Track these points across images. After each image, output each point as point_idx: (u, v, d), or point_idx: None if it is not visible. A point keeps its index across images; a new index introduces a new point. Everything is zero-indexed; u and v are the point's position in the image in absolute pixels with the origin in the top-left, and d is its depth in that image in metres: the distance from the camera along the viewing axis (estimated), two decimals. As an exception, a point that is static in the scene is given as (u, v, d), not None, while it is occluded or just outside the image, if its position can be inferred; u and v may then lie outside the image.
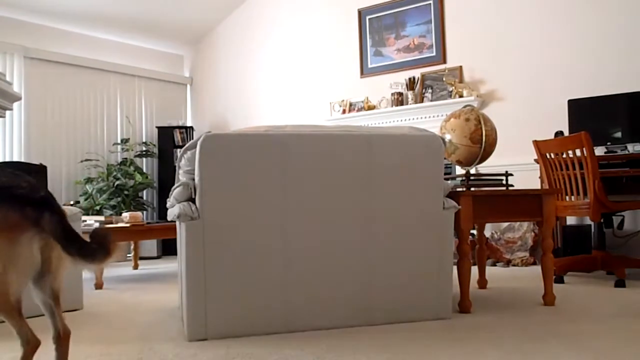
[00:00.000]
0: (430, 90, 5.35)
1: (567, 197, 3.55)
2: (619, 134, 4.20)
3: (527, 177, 4.57)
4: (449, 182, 2.66)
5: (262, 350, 1.96)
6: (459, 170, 4.95)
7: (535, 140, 3.69)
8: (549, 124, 4.69)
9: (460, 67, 5.23)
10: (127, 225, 4.02)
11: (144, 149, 6.83)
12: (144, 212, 6.60)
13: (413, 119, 5.41)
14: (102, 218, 4.08)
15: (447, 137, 2.77)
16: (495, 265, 4.51)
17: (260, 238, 2.20)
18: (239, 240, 2.17)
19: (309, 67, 6.31)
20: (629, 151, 4.17)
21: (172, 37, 7.09)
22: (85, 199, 5.99)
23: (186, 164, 2.29)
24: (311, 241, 2.25)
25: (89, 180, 6.12)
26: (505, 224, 4.72)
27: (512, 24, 4.97)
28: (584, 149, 3.32)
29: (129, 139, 6.58)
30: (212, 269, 2.14)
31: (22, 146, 5.78)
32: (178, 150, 6.81)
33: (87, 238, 1.54)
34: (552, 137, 4.42)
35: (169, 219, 2.40)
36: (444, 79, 5.24)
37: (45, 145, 6.02)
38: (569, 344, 1.95)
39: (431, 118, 5.28)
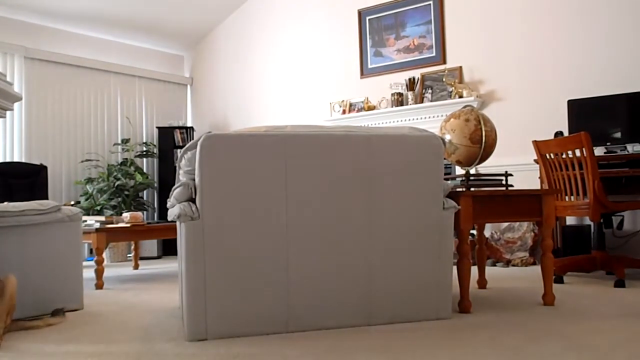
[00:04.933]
0: (430, 91, 5.36)
1: (567, 197, 3.55)
2: (618, 134, 4.20)
3: (527, 177, 4.57)
4: (449, 182, 2.66)
5: (262, 350, 1.96)
6: (459, 171, 4.96)
7: (535, 141, 3.69)
8: (549, 124, 4.69)
9: (460, 67, 5.24)
10: (128, 225, 4.02)
11: (145, 149, 6.83)
12: (145, 212, 6.60)
13: (413, 119, 5.41)
14: (102, 218, 4.08)
15: (447, 137, 2.77)
16: (495, 265, 4.51)
17: (260, 238, 2.21)
18: (239, 240, 2.18)
19: (309, 68, 6.32)
20: (628, 151, 4.17)
21: (172, 37, 7.10)
22: (86, 199, 5.99)
23: (186, 164, 2.29)
24: (311, 241, 2.25)
25: (89, 180, 6.13)
26: (505, 224, 4.72)
27: (512, 24, 4.97)
28: (584, 149, 3.32)
29: (129, 139, 6.58)
30: (212, 269, 2.14)
31: (23, 146, 5.79)
32: (178, 150, 6.82)
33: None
34: (552, 137, 4.43)
35: (169, 219, 2.40)
36: (443, 80, 5.25)
37: (45, 145, 6.02)
38: (569, 344, 1.95)
39: (431, 118, 5.28)
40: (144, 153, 6.75)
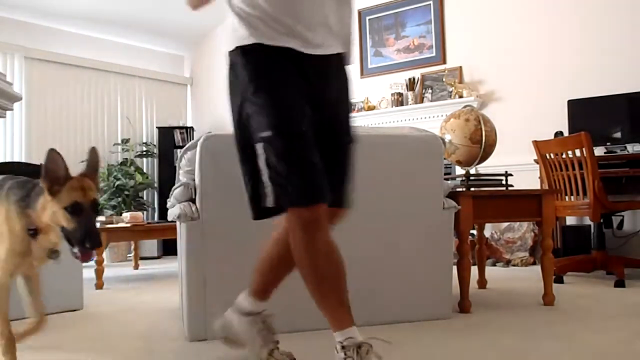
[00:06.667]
0: (430, 91, 5.36)
1: (567, 197, 3.55)
2: (618, 134, 4.20)
3: (527, 177, 4.56)
4: (449, 182, 2.66)
5: (262, 350, 1.95)
6: (459, 170, 4.95)
7: (535, 141, 3.69)
8: (549, 124, 4.68)
9: (460, 67, 5.23)
10: (128, 225, 4.02)
11: (145, 149, 6.83)
12: (145, 212, 6.59)
13: (413, 119, 5.41)
14: (102, 218, 4.08)
15: (447, 137, 2.77)
16: (495, 265, 4.51)
17: (260, 238, 2.20)
18: (239, 240, 2.17)
19: (309, 68, 6.30)
20: (628, 151, 4.17)
21: (172, 37, 7.09)
22: (86, 199, 5.99)
23: (186, 164, 2.29)
24: (311, 241, 2.24)
25: (89, 180, 6.12)
26: (505, 224, 4.72)
27: (512, 24, 4.97)
28: (584, 149, 3.32)
29: (129, 139, 6.58)
30: (212, 269, 2.14)
31: (23, 146, 5.79)
32: (178, 150, 6.81)
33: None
34: (552, 137, 4.42)
35: (169, 219, 2.40)
36: (443, 80, 5.24)
37: (45, 145, 6.01)
38: (569, 344, 1.95)
39: (431, 118, 5.28)
40: (144, 153, 6.74)
